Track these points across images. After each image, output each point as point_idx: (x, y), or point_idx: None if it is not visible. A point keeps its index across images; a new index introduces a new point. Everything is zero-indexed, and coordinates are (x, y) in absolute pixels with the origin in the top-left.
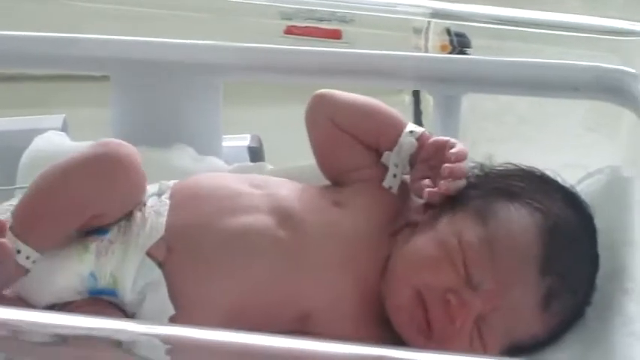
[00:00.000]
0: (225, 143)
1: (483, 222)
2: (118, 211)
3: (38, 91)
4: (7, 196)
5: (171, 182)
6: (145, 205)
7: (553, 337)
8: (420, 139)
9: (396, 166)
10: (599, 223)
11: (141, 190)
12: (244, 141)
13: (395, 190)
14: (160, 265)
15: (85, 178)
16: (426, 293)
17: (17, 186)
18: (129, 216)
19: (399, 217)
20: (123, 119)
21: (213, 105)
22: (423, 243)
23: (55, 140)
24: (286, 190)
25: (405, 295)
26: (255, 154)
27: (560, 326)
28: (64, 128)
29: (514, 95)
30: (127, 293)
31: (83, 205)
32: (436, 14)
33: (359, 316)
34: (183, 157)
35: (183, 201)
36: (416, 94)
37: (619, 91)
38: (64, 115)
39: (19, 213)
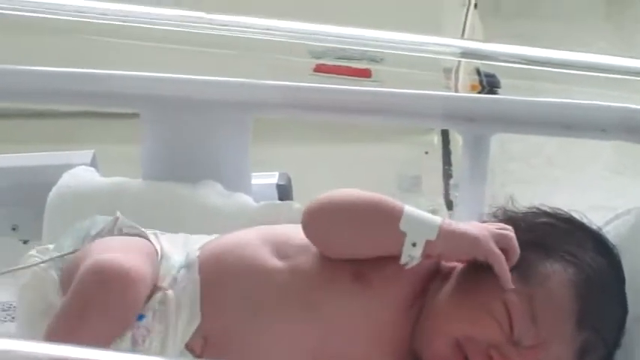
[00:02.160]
0: (253, 181)
1: (522, 279)
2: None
3: (68, 127)
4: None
5: (197, 250)
6: (175, 280)
7: None
8: (426, 251)
9: (414, 245)
10: (625, 264)
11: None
12: (273, 179)
13: (415, 262)
14: (198, 356)
15: (101, 316)
16: (466, 345)
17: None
18: (162, 295)
19: (427, 269)
20: (152, 155)
21: (242, 142)
22: (463, 295)
23: (84, 176)
24: (303, 264)
25: (445, 346)
26: (284, 192)
27: None
28: (93, 164)
29: (542, 135)
30: None
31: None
32: (466, 54)
33: None
34: (212, 193)
35: (213, 278)
36: (445, 134)
37: None
38: (93, 150)
39: None
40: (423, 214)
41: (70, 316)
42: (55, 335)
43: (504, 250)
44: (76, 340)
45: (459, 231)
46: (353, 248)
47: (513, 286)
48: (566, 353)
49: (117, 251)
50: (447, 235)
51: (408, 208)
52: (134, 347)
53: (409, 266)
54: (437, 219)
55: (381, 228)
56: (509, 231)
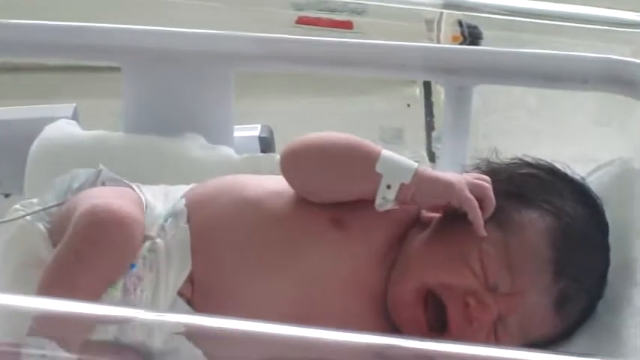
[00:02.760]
0: (236, 133)
1: (498, 227)
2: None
3: (49, 82)
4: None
5: (182, 198)
6: (163, 229)
7: (566, 334)
8: (400, 194)
9: (389, 187)
10: (608, 215)
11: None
12: (255, 131)
13: (390, 205)
14: (189, 302)
15: (100, 258)
16: (442, 293)
17: (54, 203)
18: (151, 243)
19: (405, 217)
20: (134, 109)
21: (224, 94)
22: (438, 243)
23: (65, 129)
24: (284, 209)
25: (411, 290)
26: (266, 144)
27: (573, 325)
28: (74, 117)
29: (524, 86)
30: (157, 346)
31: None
32: (448, 5)
33: (368, 326)
34: (194, 146)
35: (201, 227)
36: (427, 86)
37: (629, 83)
38: (74, 104)
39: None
40: (401, 158)
41: (68, 259)
42: (52, 280)
43: (480, 199)
44: (73, 283)
45: (434, 176)
46: (330, 191)
47: (486, 234)
48: (544, 301)
49: (109, 198)
50: (421, 179)
51: (386, 152)
52: (126, 296)
53: (382, 209)
54: (414, 163)
55: (357, 169)
56: (486, 181)
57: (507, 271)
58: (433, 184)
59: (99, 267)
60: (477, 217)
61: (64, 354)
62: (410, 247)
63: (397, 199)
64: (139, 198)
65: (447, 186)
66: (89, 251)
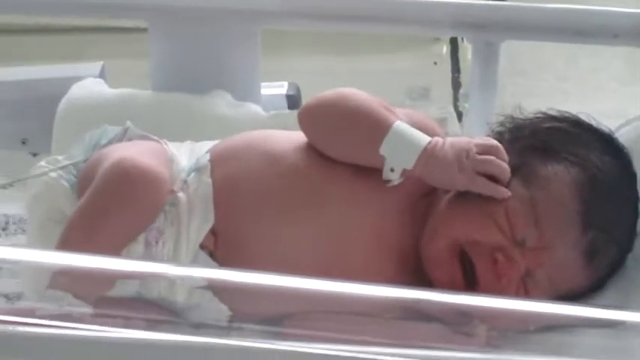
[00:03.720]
0: (263, 91)
1: (523, 182)
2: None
3: (75, 43)
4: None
5: (207, 153)
6: (186, 183)
7: (595, 287)
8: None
9: (392, 170)
10: (637, 168)
11: (165, 189)
12: (282, 89)
13: (395, 183)
14: (211, 254)
15: (125, 210)
16: (471, 249)
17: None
18: (173, 197)
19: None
20: (161, 67)
21: (251, 52)
22: (466, 201)
23: (93, 87)
24: (308, 163)
25: (444, 246)
26: (293, 102)
27: (602, 277)
28: (102, 76)
29: (553, 42)
30: (180, 301)
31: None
32: None
33: (392, 279)
34: (222, 103)
35: (225, 181)
36: (454, 44)
37: None
38: (102, 62)
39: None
40: (408, 137)
41: (92, 211)
42: (74, 231)
43: (490, 176)
44: (95, 235)
45: (438, 163)
46: (342, 156)
47: (506, 196)
48: (573, 254)
49: (136, 153)
50: (426, 164)
51: (394, 130)
52: (148, 249)
53: (389, 185)
54: (419, 146)
55: (363, 147)
56: (494, 151)
57: (534, 226)
58: (438, 170)
59: (123, 221)
60: (490, 192)
61: (82, 309)
62: (438, 205)
63: (403, 177)
64: (166, 153)
65: (452, 174)
66: (114, 204)
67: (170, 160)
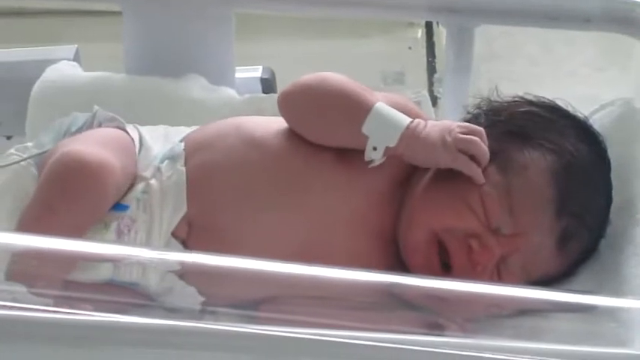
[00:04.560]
0: (237, 75)
1: (499, 169)
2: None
3: (50, 26)
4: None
5: (181, 142)
6: (159, 170)
7: (568, 273)
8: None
9: (375, 149)
10: (611, 154)
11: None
12: (257, 72)
13: (377, 162)
14: (183, 243)
15: (68, 205)
16: (445, 237)
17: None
18: (145, 185)
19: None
20: (135, 51)
21: (225, 36)
22: (441, 187)
23: (67, 71)
24: (288, 148)
25: (422, 236)
26: (268, 85)
27: (575, 263)
28: (76, 59)
29: (526, 26)
30: (152, 285)
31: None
32: None
33: (375, 264)
34: (196, 87)
35: (200, 168)
36: (429, 28)
37: (631, 22)
38: (76, 45)
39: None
40: (391, 115)
41: (38, 208)
42: (24, 224)
43: (471, 156)
44: (42, 228)
45: (422, 138)
46: (322, 140)
47: (484, 181)
48: (548, 241)
49: (85, 144)
50: (409, 142)
51: (376, 110)
52: (119, 237)
53: (372, 166)
54: (402, 124)
55: (345, 127)
56: (477, 133)
57: (509, 213)
58: (421, 147)
59: (68, 216)
60: (471, 172)
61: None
62: (414, 191)
63: (385, 156)
64: (129, 139)
65: (435, 150)
66: (57, 201)
67: (135, 146)
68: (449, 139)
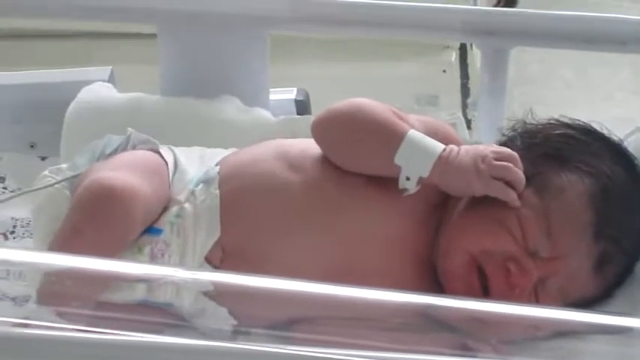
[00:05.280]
0: (272, 96)
1: (537, 192)
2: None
3: (85, 48)
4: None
5: (217, 166)
6: (193, 194)
7: (604, 295)
8: (422, 183)
9: (408, 179)
10: None
11: (161, 199)
12: (291, 94)
13: (412, 191)
14: (217, 268)
15: (94, 230)
16: (483, 260)
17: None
18: (179, 209)
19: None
20: (170, 72)
21: (260, 57)
22: (478, 211)
23: (102, 92)
24: (323, 172)
25: (461, 261)
26: (302, 107)
27: (611, 286)
28: (111, 80)
29: (562, 48)
30: (186, 306)
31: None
32: None
33: (409, 287)
34: (230, 108)
35: (235, 192)
36: (463, 51)
37: None
38: (111, 67)
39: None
40: (423, 145)
41: (67, 233)
42: (53, 248)
43: (507, 182)
44: (71, 252)
45: (455, 166)
46: (356, 168)
47: (519, 205)
48: (586, 264)
49: (114, 170)
50: (443, 171)
51: (408, 139)
52: (153, 261)
53: (406, 194)
54: (434, 154)
55: (378, 157)
56: (511, 159)
57: (547, 236)
58: (454, 176)
59: (96, 242)
60: (507, 197)
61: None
62: (451, 215)
63: (419, 184)
64: (162, 163)
65: (468, 179)
66: (85, 226)
67: (167, 169)
68: (482, 166)
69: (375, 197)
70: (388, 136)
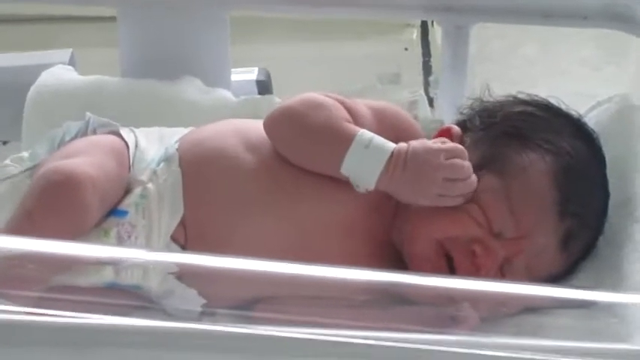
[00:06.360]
0: (233, 77)
1: (497, 172)
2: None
3: (45, 32)
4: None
5: (176, 143)
6: (155, 173)
7: (568, 271)
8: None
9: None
10: (608, 151)
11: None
12: (252, 74)
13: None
14: (183, 247)
15: (48, 218)
16: (449, 245)
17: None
18: (143, 189)
19: None
20: (131, 54)
21: (220, 37)
22: None
23: (62, 75)
24: (280, 155)
25: (427, 247)
26: (264, 87)
27: (576, 261)
28: (71, 63)
29: (522, 24)
30: (154, 288)
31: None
32: None
33: (369, 265)
34: (191, 89)
35: (194, 170)
36: (424, 29)
37: (628, 19)
38: (71, 49)
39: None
40: (368, 157)
41: (21, 221)
42: (6, 232)
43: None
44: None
45: (400, 184)
46: (307, 168)
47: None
48: (551, 242)
49: (70, 155)
50: (389, 184)
51: (353, 150)
52: (120, 244)
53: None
54: (379, 165)
55: (327, 163)
56: (460, 155)
57: (511, 216)
58: (401, 190)
59: (49, 230)
60: (455, 203)
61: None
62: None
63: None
64: (122, 145)
65: (415, 196)
66: (39, 214)
67: (126, 152)
68: (427, 184)
69: (329, 183)
70: (336, 144)
